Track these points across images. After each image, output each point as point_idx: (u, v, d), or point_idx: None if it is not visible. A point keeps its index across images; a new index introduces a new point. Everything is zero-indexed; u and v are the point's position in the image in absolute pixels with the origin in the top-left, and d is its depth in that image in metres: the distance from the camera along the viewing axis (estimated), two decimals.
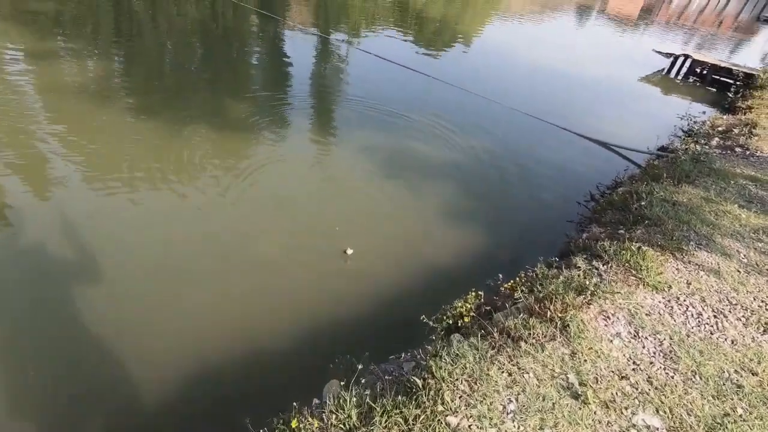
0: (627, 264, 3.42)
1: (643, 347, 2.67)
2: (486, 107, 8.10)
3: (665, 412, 2.26)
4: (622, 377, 2.44)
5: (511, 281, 3.48)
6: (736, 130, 7.32)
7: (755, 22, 29.09)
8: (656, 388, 2.39)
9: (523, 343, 2.59)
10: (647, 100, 10.55)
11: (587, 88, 10.55)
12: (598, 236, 4.04)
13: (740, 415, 2.30)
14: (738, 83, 11.12)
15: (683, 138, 7.45)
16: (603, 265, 3.49)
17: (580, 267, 3.49)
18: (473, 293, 3.33)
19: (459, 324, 3.06)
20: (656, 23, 23.21)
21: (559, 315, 2.83)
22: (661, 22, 24.08)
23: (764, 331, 2.91)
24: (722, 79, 11.76)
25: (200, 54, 9.02)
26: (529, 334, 2.68)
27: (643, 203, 4.44)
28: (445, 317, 3.15)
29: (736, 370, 2.57)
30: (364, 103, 7.40)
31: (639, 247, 3.60)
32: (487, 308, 3.21)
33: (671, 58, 12.48)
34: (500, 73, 10.70)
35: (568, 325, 2.75)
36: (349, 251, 4.14)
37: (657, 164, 6.06)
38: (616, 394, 2.34)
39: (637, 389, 2.38)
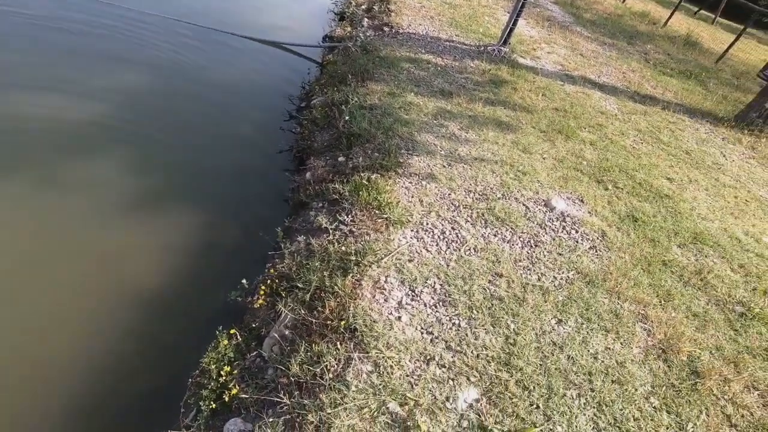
0: (368, 205, 3.09)
1: (425, 306, 2.48)
2: (111, 23, 5.68)
3: (475, 376, 2.17)
4: (428, 360, 2.19)
5: (261, 286, 2.64)
6: (376, 7, 7.79)
7: None
8: (457, 352, 2.27)
9: (323, 396, 1.94)
10: None
11: None
12: (324, 176, 3.53)
13: (516, 332, 2.46)
14: None
15: (339, 23, 7.45)
16: (347, 216, 3.05)
17: (327, 229, 2.94)
18: (223, 335, 2.35)
19: (225, 400, 2.10)
20: None
21: (341, 319, 2.27)
22: None
23: (485, 223, 3.21)
24: None
25: None
26: (323, 371, 2.04)
27: (347, 117, 4.11)
28: (201, 399, 2.11)
29: (490, 281, 2.74)
30: None
31: (368, 178, 3.30)
32: (253, 348, 2.34)
33: None
34: None
35: (355, 328, 2.24)
36: None
37: (333, 59, 5.82)
38: (433, 387, 2.08)
39: (445, 367, 2.18)
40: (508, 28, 6.60)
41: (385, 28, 6.81)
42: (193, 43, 5.80)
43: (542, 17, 9.46)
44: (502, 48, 6.67)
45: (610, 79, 7.07)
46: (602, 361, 2.43)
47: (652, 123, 5.84)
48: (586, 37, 9.07)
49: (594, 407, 2.19)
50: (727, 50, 10.50)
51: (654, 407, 2.29)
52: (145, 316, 2.76)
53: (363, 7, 8.00)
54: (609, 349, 2.52)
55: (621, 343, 2.58)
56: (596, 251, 3.26)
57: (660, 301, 2.97)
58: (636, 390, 2.34)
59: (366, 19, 7.32)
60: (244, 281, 2.68)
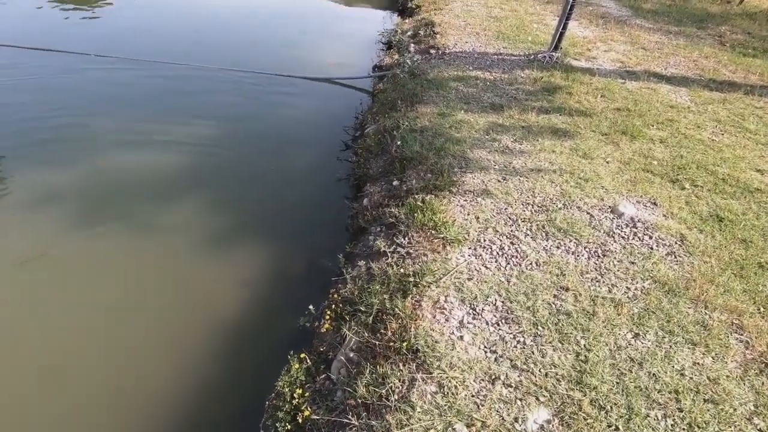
0: (423, 226, 3.14)
1: (488, 324, 2.45)
2: (175, 77, 6.43)
3: (545, 396, 2.09)
4: (494, 380, 2.15)
5: (327, 311, 2.78)
6: (421, 32, 8.00)
7: None
8: (523, 370, 2.20)
9: (389, 417, 1.99)
10: (340, 20, 10.59)
11: (285, 19, 9.76)
12: (381, 201, 3.66)
13: (587, 349, 2.34)
14: None
15: (387, 51, 7.74)
16: (403, 238, 3.12)
17: (385, 252, 3.03)
18: (294, 359, 2.49)
19: (299, 421, 2.23)
20: None
21: (403, 341, 2.31)
22: None
23: (546, 236, 3.11)
24: None
25: None
26: (388, 392, 2.09)
27: (398, 142, 4.24)
28: (278, 421, 2.25)
29: (555, 295, 2.64)
30: None
31: (422, 200, 3.37)
32: (323, 371, 2.46)
33: None
34: (184, 28, 8.73)
35: (417, 349, 2.27)
36: None
37: (383, 88, 6.05)
38: (500, 408, 2.04)
39: (512, 386, 2.13)
40: (558, 32, 6.43)
41: (432, 51, 6.95)
42: (255, 90, 6.36)
43: (596, 15, 9.08)
44: (554, 53, 6.49)
45: (679, 70, 6.56)
46: (691, 378, 2.22)
47: (734, 111, 5.30)
48: (648, 28, 8.53)
49: (684, 429, 2.00)
50: None
51: (759, 430, 2.03)
52: (224, 344, 3.01)
53: (409, 33, 8.25)
54: (698, 364, 2.30)
55: (713, 358, 2.34)
56: (675, 257, 3.00)
57: (759, 309, 2.66)
58: (735, 410, 2.10)
59: (412, 45, 7.54)
60: (311, 307, 2.83)
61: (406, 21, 9.13)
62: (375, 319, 2.53)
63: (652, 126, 4.78)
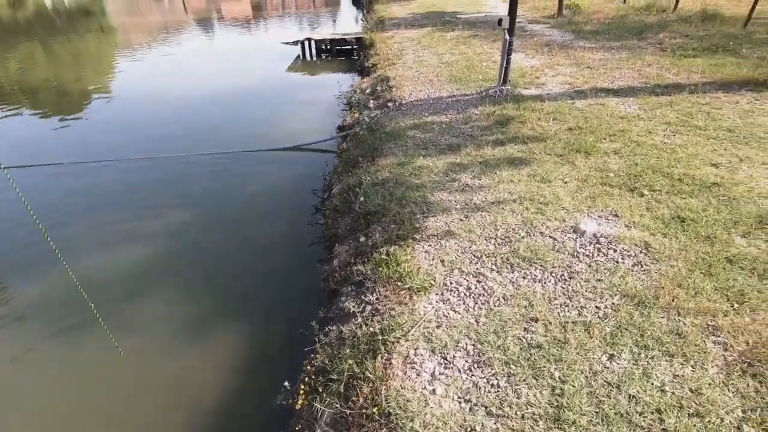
0: (389, 279, 3.14)
1: (460, 372, 2.39)
2: (146, 170, 6.66)
3: None
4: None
5: (301, 385, 2.71)
6: (378, 88, 8.40)
7: None
8: (499, 416, 2.12)
9: None
10: (303, 88, 11.15)
11: (250, 97, 10.26)
12: (349, 260, 3.67)
13: (561, 381, 2.27)
14: (355, 47, 13.07)
15: (349, 111, 8.08)
16: (371, 295, 3.11)
17: (355, 313, 3.00)
18: None
19: None
20: (270, 18, 25.21)
21: (375, 405, 2.24)
22: (274, 15, 26.36)
23: (511, 268, 3.11)
24: (344, 48, 13.59)
25: None
26: None
27: (362, 198, 4.33)
28: None
29: (525, 329, 2.60)
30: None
31: (387, 252, 3.39)
32: None
33: (299, 45, 13.56)
34: (153, 122, 9.14)
35: (389, 412, 2.20)
36: None
37: (346, 147, 6.26)
38: None
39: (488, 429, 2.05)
40: (503, 67, 6.77)
41: (389, 104, 7.26)
42: (225, 170, 6.57)
43: (540, 44, 9.60)
44: (503, 87, 6.80)
45: (625, 81, 6.85)
46: (672, 393, 2.14)
47: (682, 111, 5.49)
48: (591, 48, 9.00)
49: None
50: (754, 7, 9.73)
51: None
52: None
53: (368, 91, 8.66)
54: (678, 376, 2.22)
55: (692, 367, 2.27)
56: (642, 266, 2.99)
57: (732, 306, 2.62)
58: (722, 420, 2.00)
59: (371, 101, 7.89)
60: (286, 383, 2.77)
61: (364, 80, 9.61)
62: (347, 386, 2.46)
63: (605, 139, 4.92)
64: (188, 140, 7.58)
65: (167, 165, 6.74)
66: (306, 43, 13.62)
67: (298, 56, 13.51)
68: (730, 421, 2.00)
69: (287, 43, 13.69)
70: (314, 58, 13.54)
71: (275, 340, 3.60)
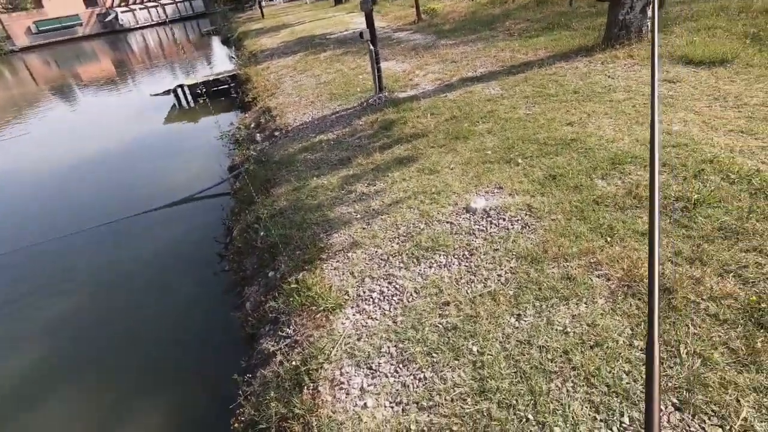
0: (303, 306, 3.04)
1: (387, 377, 2.36)
2: (33, 258, 5.85)
3: (457, 423, 2.03)
4: None
5: None
6: (262, 119, 8.26)
7: (202, 37, 34.33)
8: (430, 407, 2.13)
9: None
10: (185, 137, 10.59)
11: (130, 157, 9.47)
12: (260, 300, 3.50)
13: (480, 353, 2.35)
14: (232, 85, 12.77)
15: (237, 149, 7.82)
16: (287, 327, 2.98)
17: (275, 352, 2.85)
18: None
19: None
20: (138, 71, 23.70)
21: None
22: (140, 68, 24.81)
23: (417, 261, 3.19)
24: (220, 88, 13.19)
25: None
26: None
27: (262, 233, 4.18)
28: None
29: (440, 314, 2.66)
30: None
31: (296, 280, 3.29)
32: None
33: (172, 94, 12.89)
34: (18, 206, 8.03)
35: None
36: None
37: (240, 185, 6.03)
38: None
39: (423, 429, 2.04)
40: (376, 76, 7.04)
41: (276, 133, 7.16)
42: (117, 239, 5.96)
43: (408, 49, 10.17)
44: (381, 94, 7.06)
45: (486, 68, 7.50)
46: (573, 332, 2.32)
47: (536, 84, 6.14)
48: (452, 45, 9.74)
49: (583, 385, 2.06)
50: None
51: (641, 349, 2.16)
52: None
53: (252, 125, 8.47)
54: (575, 316, 2.42)
55: (585, 304, 2.49)
56: (528, 227, 3.24)
57: (606, 240, 2.93)
58: (617, 342, 2.22)
59: (257, 134, 7.72)
60: None
61: (247, 115, 9.40)
62: (278, 430, 2.31)
63: (478, 122, 5.31)
64: (60, 218, 6.76)
65: (44, 252, 5.93)
66: (179, 91, 12.98)
67: (174, 105, 12.83)
68: (623, 342, 2.22)
69: (157, 94, 12.95)
70: (191, 104, 12.95)
71: (200, 409, 3.29)
